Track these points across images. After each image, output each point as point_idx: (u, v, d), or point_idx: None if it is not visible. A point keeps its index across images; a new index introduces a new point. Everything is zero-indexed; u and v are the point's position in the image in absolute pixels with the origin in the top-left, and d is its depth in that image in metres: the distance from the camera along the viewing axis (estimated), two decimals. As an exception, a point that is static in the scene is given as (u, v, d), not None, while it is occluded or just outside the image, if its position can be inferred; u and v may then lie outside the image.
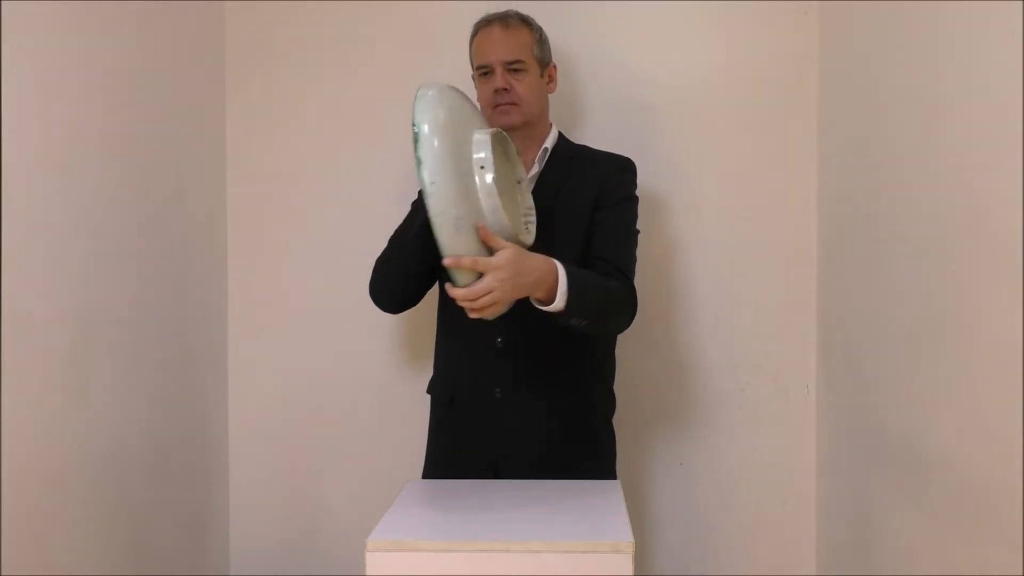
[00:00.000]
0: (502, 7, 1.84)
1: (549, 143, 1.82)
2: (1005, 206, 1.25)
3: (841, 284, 1.99)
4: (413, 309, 1.84)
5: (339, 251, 2.21)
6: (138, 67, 1.85)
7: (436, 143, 1.39)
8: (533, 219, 1.63)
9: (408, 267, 1.74)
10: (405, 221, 1.77)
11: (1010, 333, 1.24)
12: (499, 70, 1.75)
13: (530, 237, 1.57)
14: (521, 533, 1.30)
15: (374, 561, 1.27)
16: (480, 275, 1.42)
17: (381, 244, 1.79)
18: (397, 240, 1.76)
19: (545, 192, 1.76)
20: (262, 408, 2.26)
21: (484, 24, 1.80)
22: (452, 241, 1.39)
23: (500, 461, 1.73)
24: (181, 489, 2.03)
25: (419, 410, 1.95)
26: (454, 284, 1.43)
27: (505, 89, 1.74)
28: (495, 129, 1.54)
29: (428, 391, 1.89)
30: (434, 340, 1.89)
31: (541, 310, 1.54)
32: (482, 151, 1.46)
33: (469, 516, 1.43)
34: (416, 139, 1.39)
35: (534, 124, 1.80)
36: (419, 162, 1.38)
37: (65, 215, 1.59)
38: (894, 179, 1.68)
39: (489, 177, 1.44)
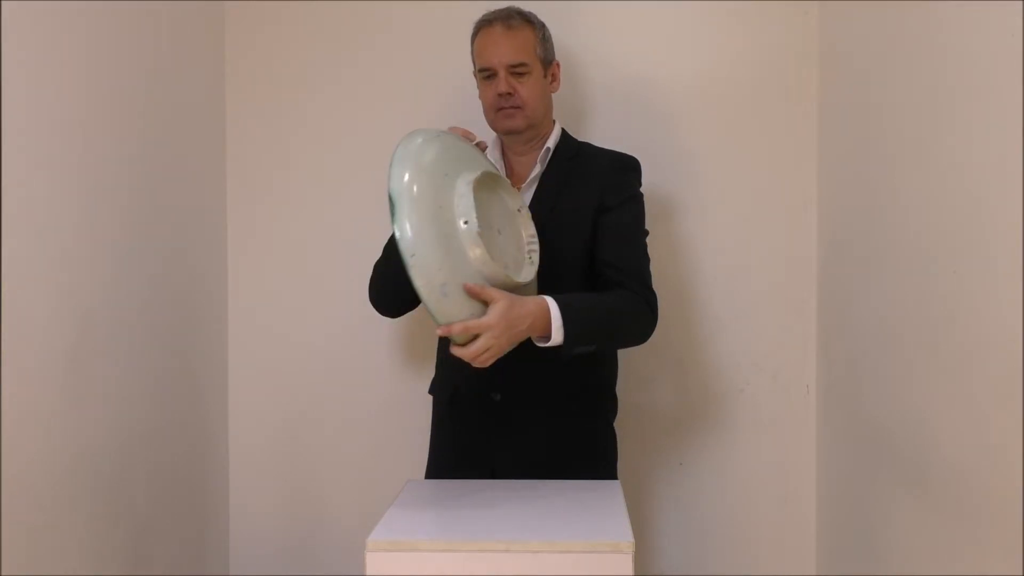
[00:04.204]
0: (503, 5, 1.81)
1: (551, 142, 1.80)
2: (1005, 206, 1.25)
3: (841, 284, 1.98)
4: (416, 309, 1.84)
5: (339, 250, 2.21)
6: (138, 67, 1.85)
7: (410, 214, 1.40)
8: (536, 247, 1.60)
9: (400, 277, 1.75)
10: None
11: (1010, 333, 1.24)
12: (502, 73, 1.72)
13: (532, 269, 1.56)
14: (521, 533, 1.30)
15: (374, 561, 1.27)
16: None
17: (381, 244, 1.79)
18: (388, 250, 1.77)
19: (547, 192, 1.76)
20: (262, 408, 2.26)
21: (486, 23, 1.77)
22: (441, 309, 1.41)
23: (497, 463, 1.72)
24: (181, 489, 2.03)
25: (420, 410, 1.95)
26: (452, 342, 1.46)
27: (509, 93, 1.72)
28: (480, 173, 1.51)
29: (430, 391, 1.89)
30: (436, 340, 1.89)
31: (543, 348, 1.54)
32: (464, 203, 1.45)
33: (469, 516, 1.43)
34: (392, 210, 1.40)
35: (538, 126, 1.79)
36: (397, 236, 1.39)
37: (65, 215, 1.59)
38: (894, 179, 1.68)
39: (473, 229, 1.43)
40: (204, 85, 2.17)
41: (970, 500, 1.38)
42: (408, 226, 1.40)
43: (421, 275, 1.39)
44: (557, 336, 1.52)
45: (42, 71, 1.53)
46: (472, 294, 1.43)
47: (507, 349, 1.49)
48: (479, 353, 1.45)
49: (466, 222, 1.43)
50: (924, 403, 1.54)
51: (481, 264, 1.44)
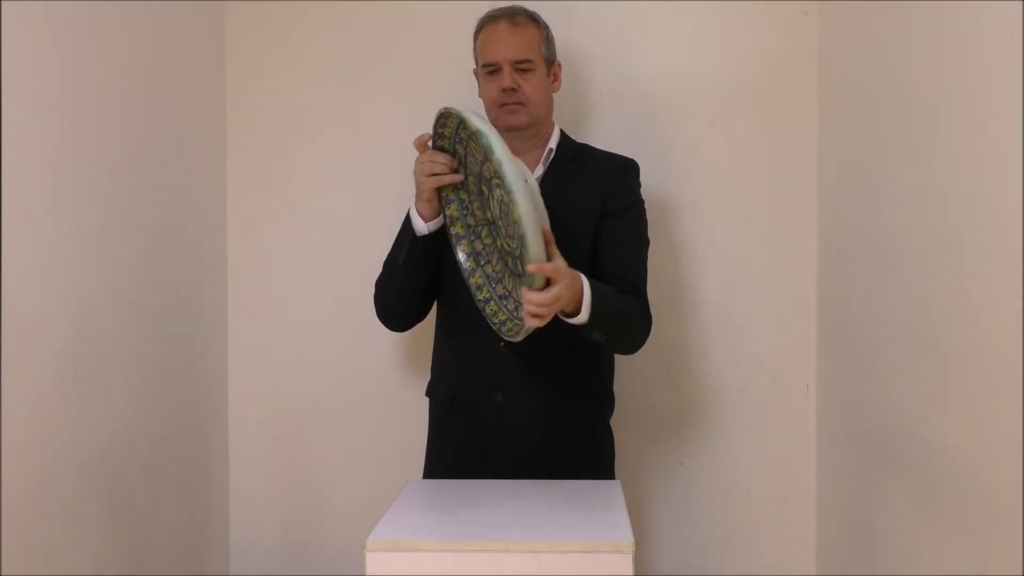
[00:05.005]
0: (507, 3, 1.82)
1: (553, 143, 1.80)
2: (1005, 205, 1.25)
3: (841, 284, 1.98)
4: (422, 321, 1.86)
5: (339, 252, 2.21)
6: (138, 67, 1.84)
7: (505, 152, 1.42)
8: None
9: (404, 291, 1.76)
10: (395, 244, 1.76)
11: (1010, 333, 1.24)
12: (507, 69, 1.72)
13: None
14: (521, 533, 1.30)
15: (374, 561, 1.27)
16: (547, 283, 1.43)
17: (381, 245, 1.79)
18: (389, 266, 1.77)
19: (549, 194, 1.75)
20: (262, 408, 2.26)
21: (490, 20, 1.77)
22: (536, 242, 1.41)
23: (499, 464, 1.72)
24: (181, 489, 2.03)
25: (419, 411, 1.95)
26: (529, 287, 1.43)
27: (512, 89, 1.72)
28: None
29: (427, 394, 1.89)
30: (432, 342, 1.89)
31: (567, 323, 1.54)
32: (522, 168, 1.50)
33: (469, 516, 1.43)
34: (490, 146, 1.42)
35: (539, 124, 1.79)
36: (500, 163, 1.40)
37: (65, 215, 1.59)
38: (894, 179, 1.68)
39: (536, 188, 1.48)
40: (204, 85, 2.16)
41: (970, 500, 1.38)
42: (508, 159, 1.41)
43: (525, 204, 1.39)
44: (584, 314, 1.52)
45: (41, 71, 1.53)
46: (548, 240, 1.45)
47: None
48: (552, 301, 1.42)
49: (526, 180, 1.46)
50: (924, 403, 1.54)
51: (543, 222, 1.48)
